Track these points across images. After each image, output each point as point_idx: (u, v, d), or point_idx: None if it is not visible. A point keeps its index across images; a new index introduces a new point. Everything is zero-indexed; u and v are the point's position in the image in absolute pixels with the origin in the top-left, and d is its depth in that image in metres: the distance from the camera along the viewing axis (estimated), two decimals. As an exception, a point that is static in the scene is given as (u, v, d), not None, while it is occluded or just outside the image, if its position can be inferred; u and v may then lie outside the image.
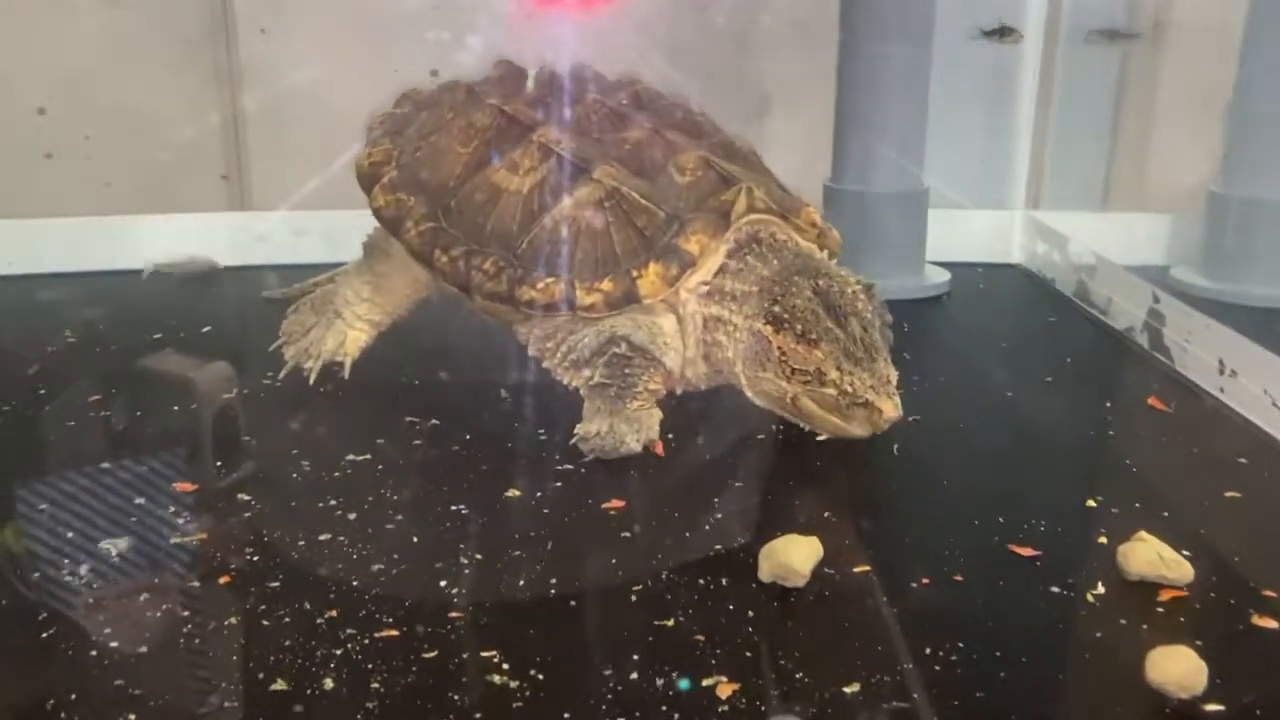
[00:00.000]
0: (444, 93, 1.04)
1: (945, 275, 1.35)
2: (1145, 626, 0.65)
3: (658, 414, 0.88)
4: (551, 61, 1.03)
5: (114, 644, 0.62)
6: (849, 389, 0.81)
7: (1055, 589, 0.68)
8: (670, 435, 0.88)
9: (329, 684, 0.58)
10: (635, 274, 0.87)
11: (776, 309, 0.84)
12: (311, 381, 0.99)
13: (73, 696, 0.57)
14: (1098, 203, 1.50)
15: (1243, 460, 0.87)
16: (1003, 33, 1.36)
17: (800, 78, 1.45)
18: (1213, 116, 1.32)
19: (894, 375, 0.82)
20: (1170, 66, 1.42)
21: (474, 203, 0.93)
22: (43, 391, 0.99)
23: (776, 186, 0.96)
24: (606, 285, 0.87)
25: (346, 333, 1.01)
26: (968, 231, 1.45)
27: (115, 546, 0.72)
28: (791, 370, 0.83)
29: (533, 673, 0.59)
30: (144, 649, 0.61)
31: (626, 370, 0.87)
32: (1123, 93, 1.46)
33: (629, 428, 0.85)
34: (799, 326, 0.83)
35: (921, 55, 1.27)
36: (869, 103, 1.29)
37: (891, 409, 0.81)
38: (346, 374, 1.00)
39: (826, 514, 0.79)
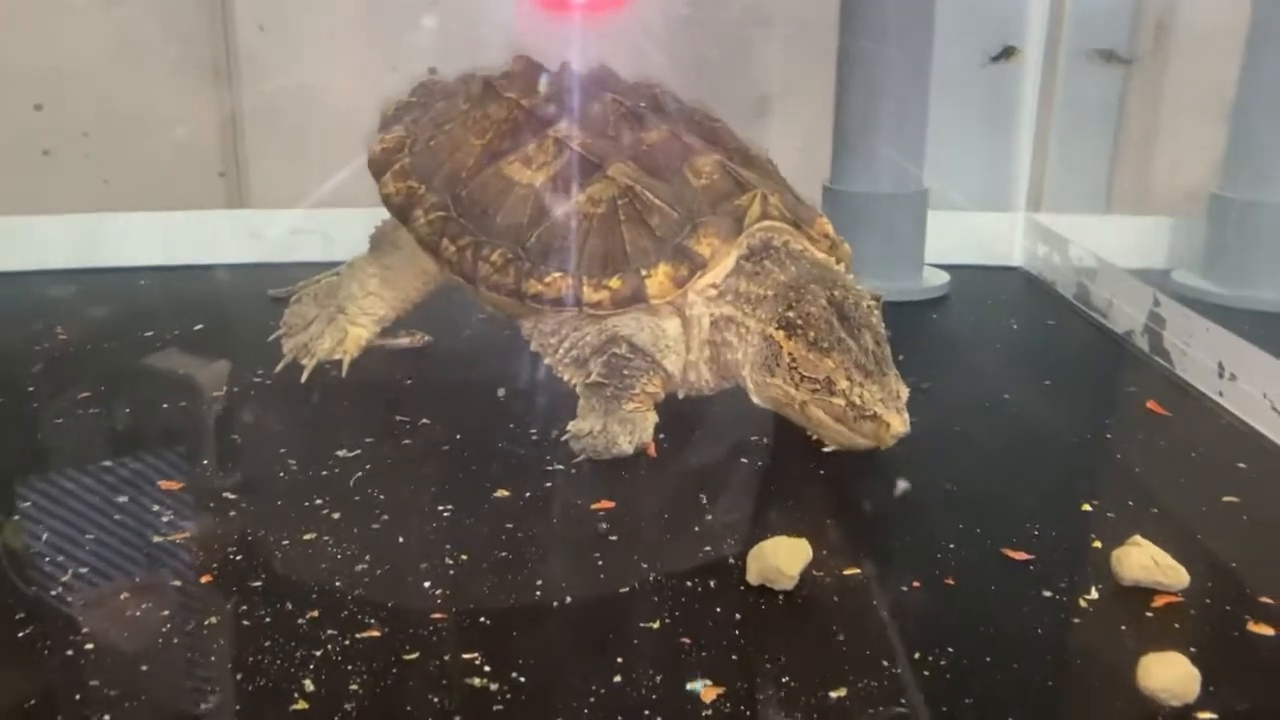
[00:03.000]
0: (460, 84, 1.03)
1: (945, 277, 1.35)
2: (1139, 632, 0.64)
3: (653, 417, 0.87)
4: (569, 60, 1.02)
5: (91, 645, 0.61)
6: (857, 401, 0.79)
7: (1048, 594, 0.67)
8: (663, 437, 0.87)
9: (308, 685, 0.57)
10: (645, 273, 0.86)
11: (790, 314, 0.83)
12: (304, 379, 0.99)
13: (50, 698, 0.57)
14: (1099, 205, 1.48)
15: (1241, 465, 0.86)
16: (1007, 54, 1.38)
17: (799, 79, 1.44)
18: (1215, 119, 1.31)
19: (904, 391, 0.81)
20: (1172, 70, 1.41)
21: (485, 194, 0.92)
22: (32, 389, 0.98)
23: (791, 196, 0.95)
24: (615, 283, 0.86)
25: (348, 330, 1.01)
26: (968, 233, 1.44)
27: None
28: (801, 377, 0.81)
29: (514, 675, 0.58)
30: (123, 649, 0.61)
31: (625, 371, 0.86)
32: (1125, 95, 1.45)
33: (622, 429, 0.85)
34: (811, 334, 0.81)
35: (922, 55, 1.27)
36: (868, 103, 1.28)
37: (899, 424, 0.79)
38: (344, 373, 1.00)
39: (817, 516, 0.78)
